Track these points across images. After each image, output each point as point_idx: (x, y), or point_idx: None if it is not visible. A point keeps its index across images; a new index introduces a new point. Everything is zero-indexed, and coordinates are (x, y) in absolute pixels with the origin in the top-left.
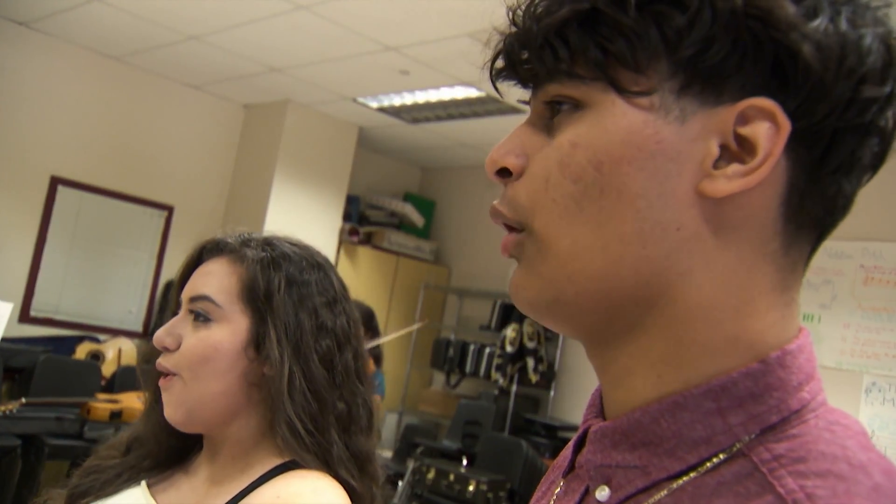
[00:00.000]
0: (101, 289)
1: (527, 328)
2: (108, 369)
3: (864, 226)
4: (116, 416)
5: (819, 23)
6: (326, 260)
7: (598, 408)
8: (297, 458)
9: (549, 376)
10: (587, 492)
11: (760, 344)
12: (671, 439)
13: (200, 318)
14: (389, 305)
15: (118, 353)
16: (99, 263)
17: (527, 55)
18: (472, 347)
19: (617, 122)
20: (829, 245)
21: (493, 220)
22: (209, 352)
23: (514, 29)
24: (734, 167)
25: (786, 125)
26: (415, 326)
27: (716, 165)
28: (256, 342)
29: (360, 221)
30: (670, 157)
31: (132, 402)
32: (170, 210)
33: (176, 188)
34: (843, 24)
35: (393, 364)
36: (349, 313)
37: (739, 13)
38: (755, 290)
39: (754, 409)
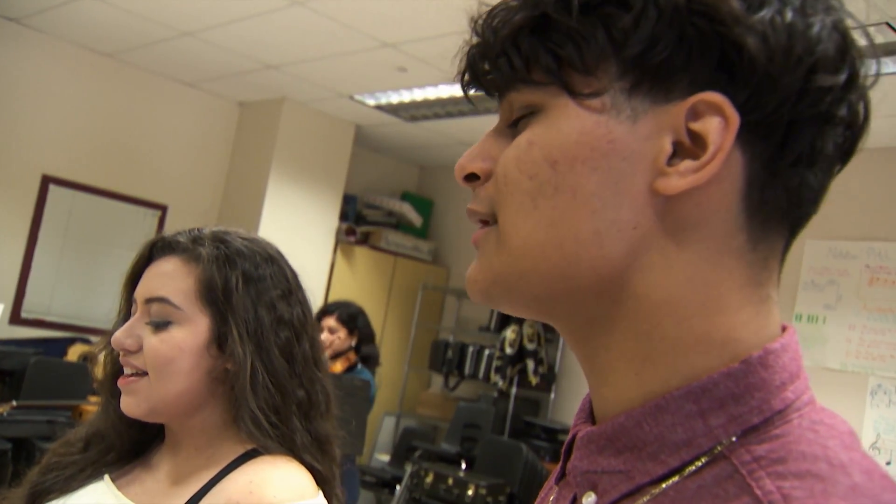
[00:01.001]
0: (93, 290)
1: (527, 329)
2: (100, 371)
3: (869, 225)
4: None
5: (764, 14)
6: (277, 251)
7: (588, 412)
8: (262, 446)
9: (549, 378)
10: (575, 499)
11: (736, 342)
12: (654, 443)
13: (160, 324)
14: (387, 307)
15: None
16: (91, 264)
17: (487, 65)
18: (470, 349)
19: (570, 123)
20: (833, 245)
21: (470, 220)
22: (172, 353)
23: (476, 40)
24: (686, 163)
25: (735, 119)
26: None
27: (670, 163)
28: (218, 340)
29: (356, 221)
30: (624, 157)
31: None
32: (163, 209)
33: (169, 187)
34: (790, 14)
35: (390, 366)
36: (304, 302)
37: (683, 10)
38: (722, 287)
39: (735, 410)
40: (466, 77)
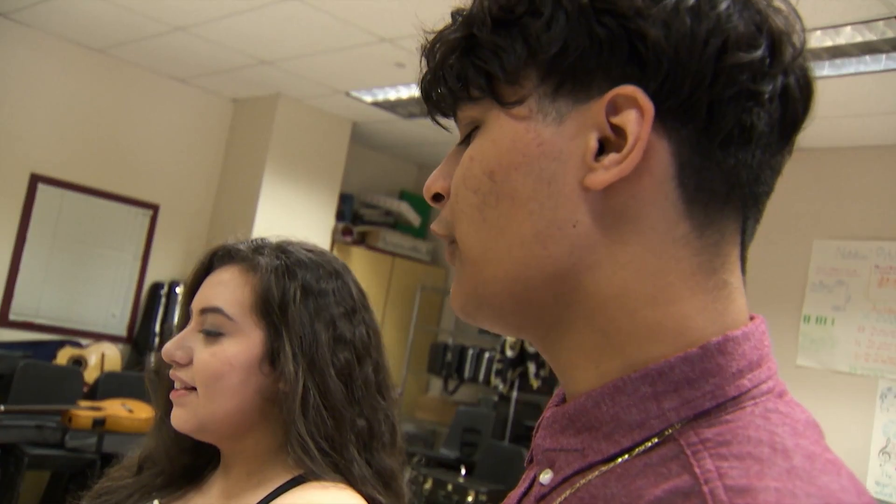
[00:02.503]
0: (83, 291)
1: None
2: (90, 375)
3: (879, 224)
4: (99, 424)
5: (667, 2)
6: (344, 266)
7: (562, 397)
8: (310, 472)
9: (550, 382)
10: (535, 477)
11: (691, 329)
12: (609, 423)
13: (212, 333)
14: (385, 308)
15: (101, 358)
16: (81, 265)
17: (436, 90)
18: (470, 352)
19: (503, 132)
20: (841, 245)
21: (438, 238)
22: (223, 368)
23: (424, 67)
24: (610, 157)
25: (649, 108)
26: None
27: (598, 159)
28: (271, 357)
29: (353, 220)
30: (553, 157)
31: (116, 409)
32: (155, 209)
33: (161, 186)
34: None
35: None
36: (369, 323)
37: (588, 9)
38: (671, 276)
39: (689, 394)
40: (427, 105)
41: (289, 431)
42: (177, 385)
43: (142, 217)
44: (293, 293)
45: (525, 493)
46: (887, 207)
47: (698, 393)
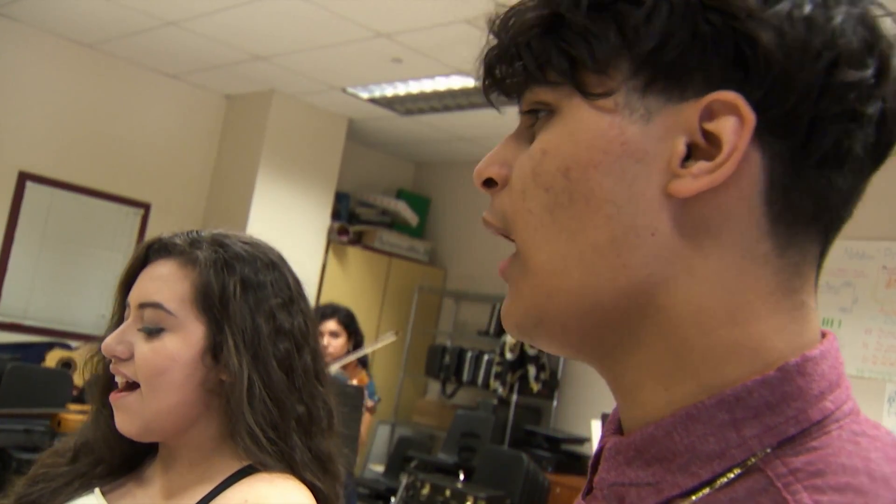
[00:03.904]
0: (72, 292)
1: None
2: (80, 378)
3: (887, 225)
4: None
5: (781, 7)
6: (280, 257)
7: (617, 424)
8: (259, 463)
9: (551, 385)
10: None
11: (769, 350)
12: (684, 454)
13: (153, 329)
14: (381, 309)
15: None
16: (70, 265)
17: (504, 68)
18: (469, 354)
19: (583, 125)
20: (849, 245)
21: (488, 230)
22: (165, 363)
23: (492, 42)
24: (700, 165)
25: (750, 118)
26: (387, 340)
27: (685, 164)
28: (213, 350)
29: (349, 220)
30: (637, 159)
31: None
32: (146, 208)
33: (153, 184)
34: (808, 7)
35: (385, 372)
36: (306, 312)
37: (696, 5)
38: (750, 295)
39: (770, 420)
40: (487, 82)
41: (236, 422)
42: (118, 379)
43: (133, 216)
44: (233, 287)
45: None
46: (894, 207)
47: (781, 418)
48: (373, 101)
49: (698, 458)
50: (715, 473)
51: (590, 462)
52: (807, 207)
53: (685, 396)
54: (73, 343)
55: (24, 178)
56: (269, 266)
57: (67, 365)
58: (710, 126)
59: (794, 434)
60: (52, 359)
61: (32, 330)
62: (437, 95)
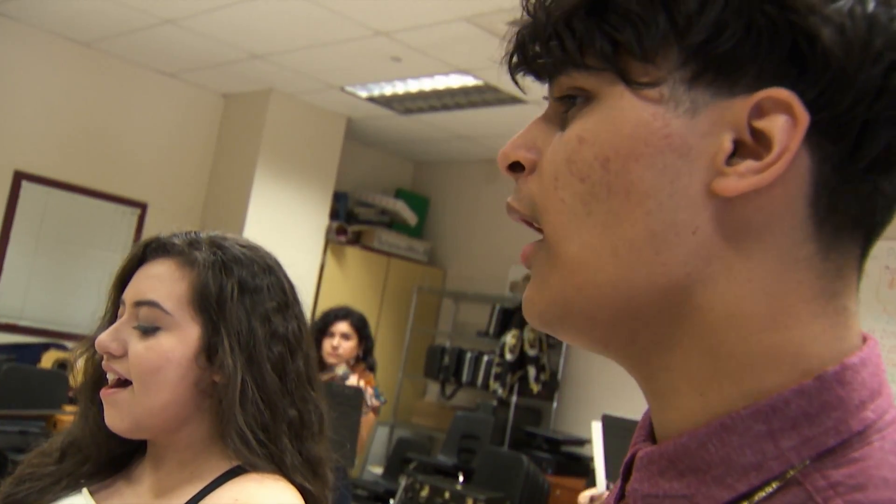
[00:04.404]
0: (68, 292)
1: (528, 334)
2: (76, 379)
3: (891, 224)
4: None
5: (843, 3)
6: (276, 261)
7: (648, 430)
8: (248, 464)
9: (551, 386)
10: None
11: (809, 357)
12: (719, 466)
13: (148, 328)
14: (380, 310)
15: None
16: (66, 265)
17: (538, 47)
18: (468, 355)
19: (624, 115)
20: None
21: (511, 217)
22: (160, 362)
23: (526, 19)
24: (747, 163)
25: (804, 118)
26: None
27: (730, 162)
28: (208, 351)
29: (348, 220)
30: (681, 153)
31: None
32: (143, 207)
33: (150, 184)
34: (872, 4)
35: (384, 373)
36: (300, 316)
37: None
38: (792, 298)
39: (809, 431)
40: (515, 59)
41: (228, 423)
42: (110, 377)
43: (129, 216)
44: (230, 289)
45: None
46: None
47: (820, 429)
48: (371, 99)
49: (734, 470)
50: (752, 486)
51: (621, 469)
52: (852, 212)
53: (721, 402)
54: (70, 344)
55: (19, 177)
56: (266, 270)
57: (63, 366)
58: (759, 124)
59: (833, 445)
60: (48, 360)
61: (28, 330)
62: (436, 94)
